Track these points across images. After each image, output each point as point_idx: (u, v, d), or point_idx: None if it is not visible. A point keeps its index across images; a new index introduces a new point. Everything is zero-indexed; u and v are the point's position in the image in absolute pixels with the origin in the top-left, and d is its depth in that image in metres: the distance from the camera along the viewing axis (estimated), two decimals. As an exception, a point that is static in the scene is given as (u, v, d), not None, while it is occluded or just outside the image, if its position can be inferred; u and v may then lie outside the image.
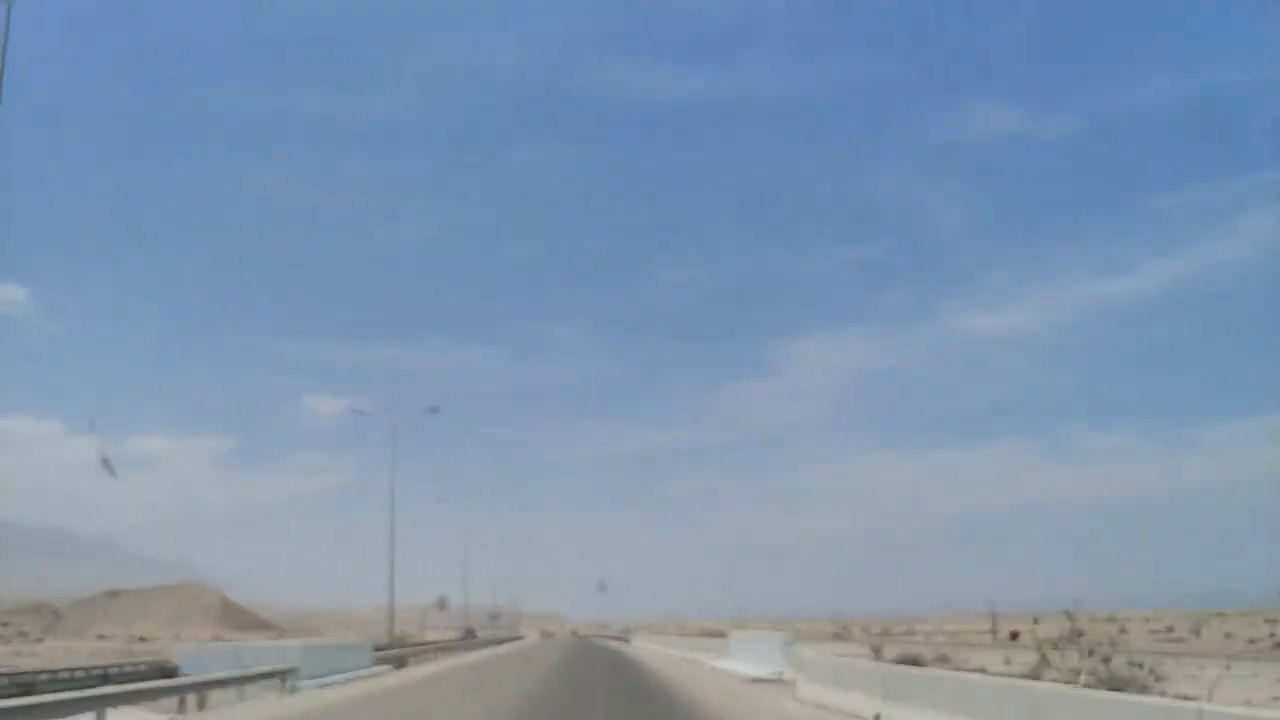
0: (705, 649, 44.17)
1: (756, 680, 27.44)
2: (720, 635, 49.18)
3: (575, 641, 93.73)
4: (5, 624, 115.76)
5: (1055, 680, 16.11)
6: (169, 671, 24.50)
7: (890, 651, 34.45)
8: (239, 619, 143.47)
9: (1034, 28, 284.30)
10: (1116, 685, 14.12)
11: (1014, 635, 55.43)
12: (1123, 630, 52.37)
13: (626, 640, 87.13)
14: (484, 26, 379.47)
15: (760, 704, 21.04)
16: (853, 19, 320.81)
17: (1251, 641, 44.94)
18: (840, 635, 73.32)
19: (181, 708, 20.31)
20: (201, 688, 20.98)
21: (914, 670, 18.07)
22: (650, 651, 57.87)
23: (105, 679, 22.06)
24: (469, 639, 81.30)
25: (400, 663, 39.98)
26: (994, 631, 60.89)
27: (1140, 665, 15.56)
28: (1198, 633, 54.85)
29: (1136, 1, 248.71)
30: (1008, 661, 28.94)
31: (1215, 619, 68.40)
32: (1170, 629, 60.14)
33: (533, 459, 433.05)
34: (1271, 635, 46.49)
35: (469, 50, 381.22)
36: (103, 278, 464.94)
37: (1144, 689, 14.09)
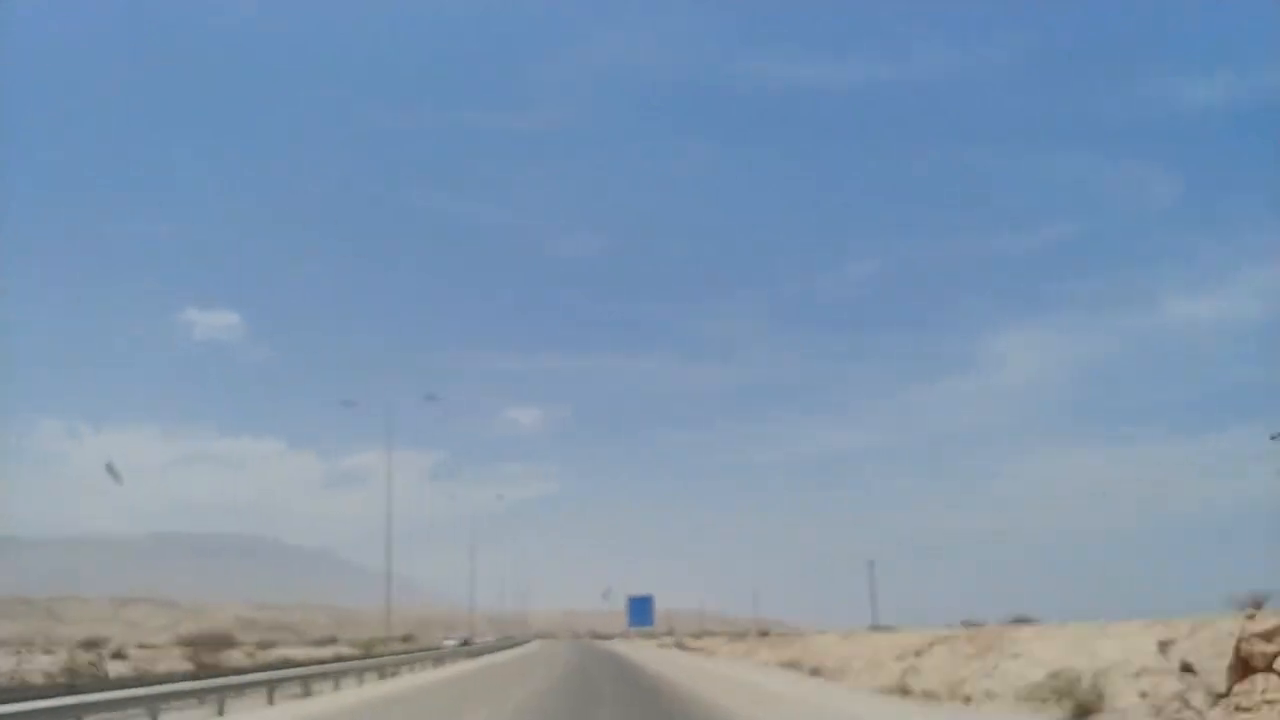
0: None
1: None
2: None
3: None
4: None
5: None
6: None
7: None
8: None
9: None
10: None
11: None
12: None
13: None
14: (636, 28, 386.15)
15: None
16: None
17: None
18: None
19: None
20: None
21: None
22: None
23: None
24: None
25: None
26: None
27: None
28: None
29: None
30: None
31: None
32: None
33: (710, 462, 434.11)
34: None
35: (624, 54, 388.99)
36: (299, 300, 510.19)
37: None
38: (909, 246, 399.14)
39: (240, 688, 23.11)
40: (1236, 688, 13.97)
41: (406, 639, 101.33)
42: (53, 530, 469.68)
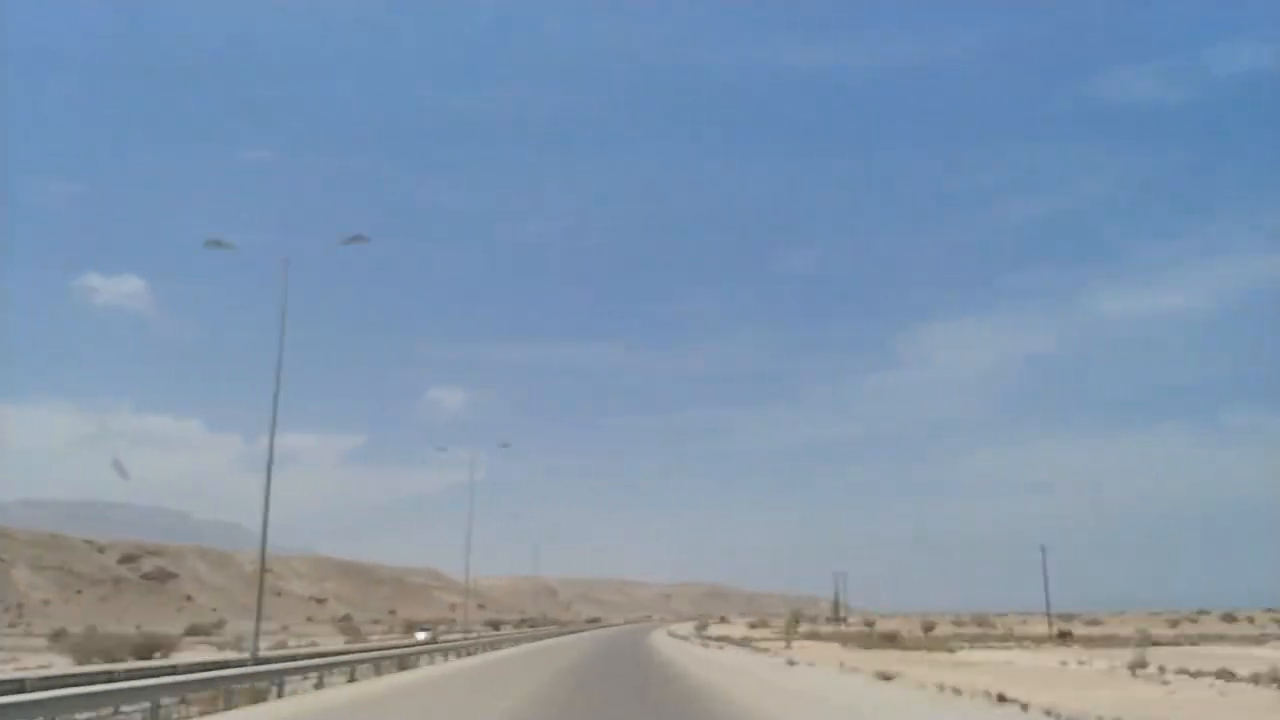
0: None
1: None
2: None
3: None
4: None
5: None
6: None
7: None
8: None
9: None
10: None
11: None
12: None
13: None
14: (606, 16, 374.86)
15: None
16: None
17: None
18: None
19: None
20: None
21: None
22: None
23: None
24: None
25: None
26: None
27: None
28: None
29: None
30: None
31: None
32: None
33: (674, 449, 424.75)
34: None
35: (587, 40, 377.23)
36: (209, 268, 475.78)
37: None
38: (855, 236, 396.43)
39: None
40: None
41: None
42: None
